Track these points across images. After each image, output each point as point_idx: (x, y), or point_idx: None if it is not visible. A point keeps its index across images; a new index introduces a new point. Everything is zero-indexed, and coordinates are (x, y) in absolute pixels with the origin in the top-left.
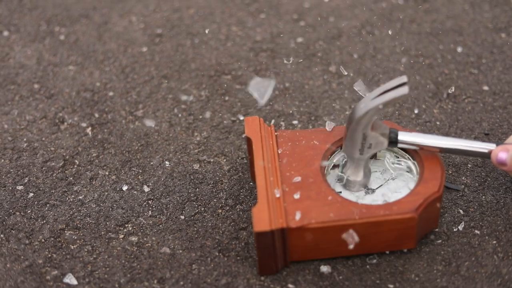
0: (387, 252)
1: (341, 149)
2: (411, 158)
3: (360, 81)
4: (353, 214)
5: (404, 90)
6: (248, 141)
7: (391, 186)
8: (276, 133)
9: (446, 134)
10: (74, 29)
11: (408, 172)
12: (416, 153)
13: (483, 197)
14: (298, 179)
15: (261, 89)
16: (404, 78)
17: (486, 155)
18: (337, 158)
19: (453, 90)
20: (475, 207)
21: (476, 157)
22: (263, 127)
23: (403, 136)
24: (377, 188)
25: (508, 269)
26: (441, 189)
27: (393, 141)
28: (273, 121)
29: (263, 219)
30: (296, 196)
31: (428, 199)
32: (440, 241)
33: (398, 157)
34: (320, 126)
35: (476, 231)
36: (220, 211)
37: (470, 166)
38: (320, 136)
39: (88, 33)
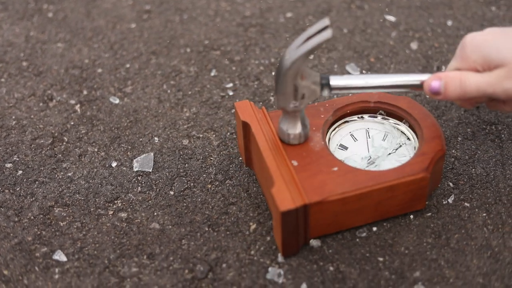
0: (374, 229)
1: (335, 122)
2: (403, 123)
3: (353, 64)
4: (369, 181)
5: (327, 34)
6: (244, 126)
7: (392, 156)
8: (268, 114)
9: (436, 108)
10: (63, 6)
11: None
12: (410, 115)
13: (473, 170)
14: (304, 155)
15: None
16: (326, 21)
17: (420, 86)
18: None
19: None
20: (465, 180)
21: (411, 90)
22: (255, 110)
23: (335, 80)
24: (379, 159)
25: (498, 242)
26: (445, 147)
27: (325, 88)
28: (260, 104)
29: (285, 198)
30: (308, 172)
31: (435, 157)
32: (429, 214)
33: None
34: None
35: (466, 204)
36: (209, 186)
37: (460, 139)
38: (312, 111)
39: (77, 10)
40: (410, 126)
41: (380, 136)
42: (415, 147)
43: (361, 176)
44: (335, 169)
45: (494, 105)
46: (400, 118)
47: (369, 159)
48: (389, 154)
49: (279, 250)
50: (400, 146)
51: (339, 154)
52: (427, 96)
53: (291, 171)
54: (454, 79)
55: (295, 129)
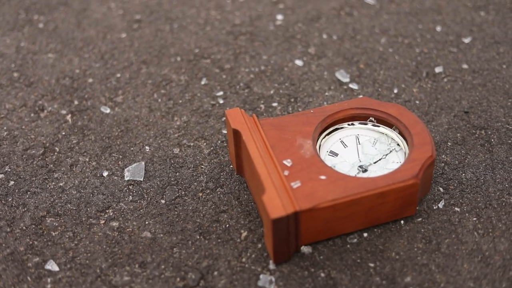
0: (365, 234)
1: (325, 130)
2: (392, 130)
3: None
4: (359, 188)
5: None
6: (235, 133)
7: (381, 162)
8: (259, 122)
9: (426, 113)
10: (53, 17)
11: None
12: (399, 122)
13: (463, 174)
14: (294, 162)
15: None
16: None
17: None
18: (325, 137)
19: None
20: (455, 185)
21: None
22: (246, 117)
23: None
24: (369, 165)
25: (488, 246)
26: (434, 153)
27: None
28: (250, 112)
29: (276, 205)
30: (298, 179)
31: (425, 164)
32: (420, 219)
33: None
34: (299, 109)
35: (456, 209)
36: (200, 194)
37: (450, 144)
38: (302, 118)
39: (67, 20)
40: (400, 133)
41: (370, 142)
42: (405, 154)
43: (352, 182)
44: (323, 177)
45: None
46: (390, 125)
47: (359, 165)
48: (379, 160)
49: (271, 258)
50: (390, 151)
51: (330, 161)
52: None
53: (282, 178)
54: None
55: None
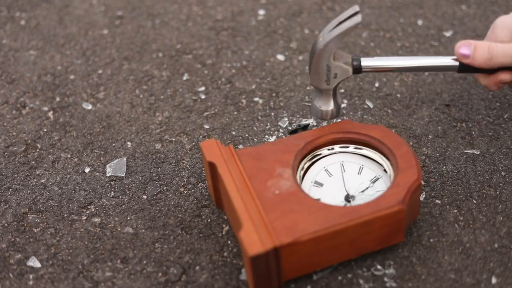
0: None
1: (305, 157)
2: (379, 153)
3: None
4: (342, 218)
5: (358, 18)
6: (211, 166)
7: (368, 191)
8: (236, 153)
9: (407, 106)
10: (35, 14)
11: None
12: (383, 144)
13: (444, 167)
14: (276, 193)
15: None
16: (356, 8)
17: (447, 68)
18: (307, 164)
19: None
20: (436, 177)
21: (440, 70)
22: (222, 149)
23: (366, 62)
24: (356, 196)
25: (469, 237)
26: (420, 176)
27: (357, 68)
28: (232, 107)
29: (253, 241)
30: (278, 212)
31: (411, 188)
32: None
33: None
34: (281, 103)
35: (437, 201)
36: (182, 189)
37: (431, 137)
38: (281, 146)
39: (49, 17)
40: (385, 156)
41: (356, 169)
42: (390, 177)
43: (334, 212)
44: (312, 207)
45: None
46: (374, 148)
47: (346, 195)
48: (367, 188)
49: None
50: (378, 179)
51: (315, 192)
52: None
53: (260, 211)
54: (483, 45)
55: (327, 106)
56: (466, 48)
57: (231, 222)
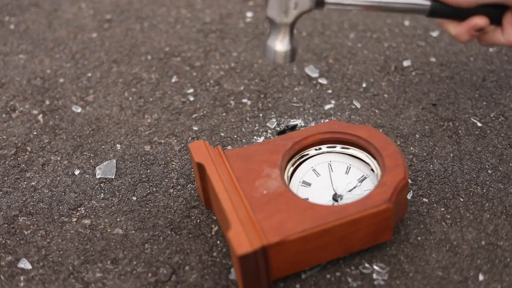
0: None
1: (293, 157)
2: (365, 152)
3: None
4: (330, 217)
5: None
6: (199, 167)
7: (356, 190)
8: (224, 154)
9: (394, 106)
10: (24, 18)
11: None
12: (370, 144)
13: (431, 166)
14: (264, 193)
15: None
16: None
17: (423, 9)
18: (294, 165)
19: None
20: (423, 176)
21: (412, 12)
22: (210, 150)
23: None
24: (343, 195)
25: (456, 235)
26: (407, 175)
27: (320, 0)
28: (218, 104)
29: (242, 241)
30: (266, 211)
31: (397, 187)
32: None
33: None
34: (269, 104)
35: (424, 199)
36: (171, 190)
37: (418, 136)
38: (269, 147)
39: (38, 21)
40: (372, 155)
41: (343, 169)
42: (378, 176)
43: (322, 211)
44: (300, 206)
45: (491, 36)
46: (361, 148)
47: (333, 195)
48: (354, 187)
49: None
50: (365, 178)
51: (303, 192)
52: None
53: (249, 211)
54: None
55: (282, 46)
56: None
57: (220, 222)
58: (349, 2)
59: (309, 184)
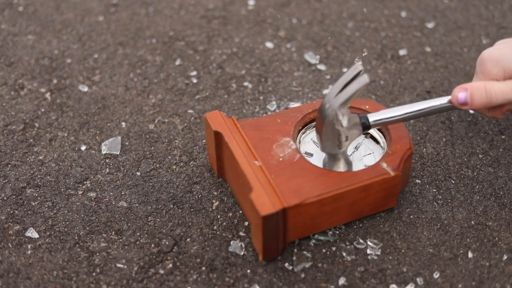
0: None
1: (305, 126)
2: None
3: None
4: (343, 182)
5: (365, 79)
6: (216, 135)
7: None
8: (238, 124)
9: (390, 92)
10: (32, 1)
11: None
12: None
13: (424, 149)
14: (280, 160)
15: None
16: (359, 67)
17: (450, 108)
18: (305, 135)
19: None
20: (416, 159)
21: (443, 111)
22: (226, 119)
23: (372, 117)
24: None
25: (447, 215)
26: (412, 146)
27: (366, 126)
28: (223, 91)
29: (265, 202)
30: (283, 176)
31: (404, 156)
32: None
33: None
34: (269, 87)
35: (417, 181)
36: (174, 167)
37: (412, 121)
38: (280, 118)
39: (46, 3)
40: (378, 128)
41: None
42: (382, 147)
43: (335, 177)
44: (315, 172)
45: None
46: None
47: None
48: (353, 153)
49: (259, 256)
50: (360, 145)
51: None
52: (456, 106)
53: (267, 177)
54: (479, 88)
55: (344, 167)
56: (462, 94)
57: (235, 190)
58: (390, 117)
59: (311, 155)
